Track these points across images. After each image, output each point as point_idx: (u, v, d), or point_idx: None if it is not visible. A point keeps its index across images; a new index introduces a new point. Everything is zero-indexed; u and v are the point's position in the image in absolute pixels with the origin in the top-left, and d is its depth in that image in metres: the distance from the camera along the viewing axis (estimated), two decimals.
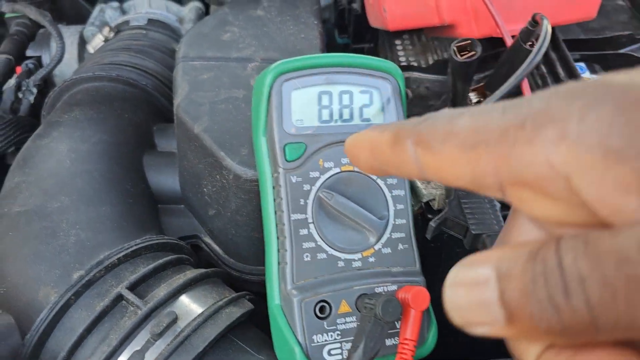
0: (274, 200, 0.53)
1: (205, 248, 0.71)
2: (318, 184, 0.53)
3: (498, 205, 0.54)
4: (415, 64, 0.78)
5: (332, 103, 0.55)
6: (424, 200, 0.59)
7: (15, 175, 0.66)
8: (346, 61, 0.55)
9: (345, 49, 1.01)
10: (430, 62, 0.78)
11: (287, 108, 0.53)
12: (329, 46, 1.07)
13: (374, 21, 0.76)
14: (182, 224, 0.71)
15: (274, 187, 0.53)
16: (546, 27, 0.48)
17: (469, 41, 0.54)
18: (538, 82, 0.69)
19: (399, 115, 0.56)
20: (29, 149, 0.69)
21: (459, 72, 0.55)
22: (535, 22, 0.50)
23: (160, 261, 0.58)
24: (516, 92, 0.65)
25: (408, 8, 0.66)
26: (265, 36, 0.72)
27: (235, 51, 0.70)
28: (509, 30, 0.63)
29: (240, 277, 0.69)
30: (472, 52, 0.53)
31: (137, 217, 0.64)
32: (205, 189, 0.65)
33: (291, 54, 0.70)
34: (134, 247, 0.58)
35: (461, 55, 0.54)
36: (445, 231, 0.55)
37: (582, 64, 0.76)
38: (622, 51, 0.76)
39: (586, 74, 0.74)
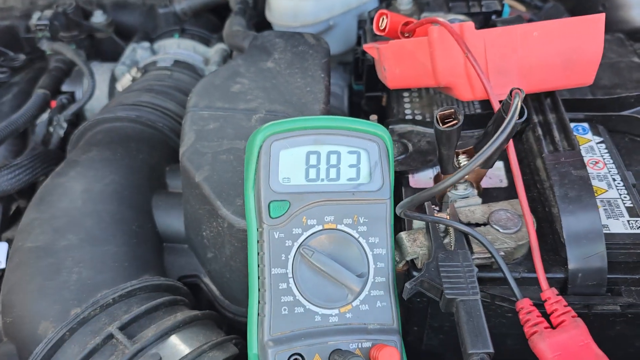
0: (257, 253, 0.56)
1: (204, 288, 0.74)
2: (300, 240, 0.56)
3: (475, 270, 0.55)
4: (420, 117, 0.80)
5: (319, 162, 0.58)
6: (408, 258, 0.61)
7: (32, 212, 0.71)
8: (335, 124, 0.58)
9: (360, 95, 1.04)
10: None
11: (275, 167, 0.56)
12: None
13: (379, 75, 0.78)
14: (184, 264, 0.75)
15: (258, 241, 0.56)
16: (515, 105, 0.50)
17: (452, 109, 0.55)
18: (532, 146, 0.70)
19: (385, 176, 0.58)
20: (47, 186, 0.74)
21: (442, 139, 0.57)
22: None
23: (153, 302, 0.62)
24: (502, 155, 0.66)
25: (406, 69, 0.68)
26: (273, 88, 0.76)
27: (243, 102, 0.74)
28: (505, 94, 0.65)
29: (234, 319, 0.71)
30: (455, 121, 0.55)
31: (139, 257, 0.68)
32: (204, 233, 0.69)
33: (295, 107, 0.74)
34: (130, 288, 0.62)
35: (445, 123, 0.56)
36: (423, 292, 0.57)
37: (585, 125, 0.76)
38: (628, 113, 0.76)
39: (588, 135, 0.75)
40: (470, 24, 0.63)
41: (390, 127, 0.78)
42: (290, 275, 0.55)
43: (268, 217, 0.56)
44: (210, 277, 0.73)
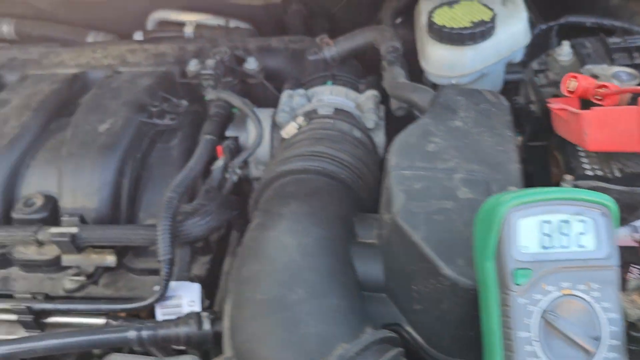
0: (501, 317, 0.61)
1: (406, 336, 0.79)
2: (541, 305, 0.60)
3: None
4: (600, 172, 0.83)
5: (552, 231, 0.62)
6: (631, 320, 0.64)
7: (252, 264, 0.77)
8: (567, 195, 0.62)
9: None
10: (616, 172, 0.83)
11: (515, 236, 0.61)
12: None
13: (565, 133, 0.82)
14: (383, 312, 0.80)
15: (500, 307, 0.61)
16: None
17: None
18: None
19: (612, 242, 0.62)
20: (257, 239, 0.81)
21: None
22: None
23: (387, 355, 0.67)
24: None
25: (610, 135, 0.72)
26: (466, 148, 0.80)
27: (441, 162, 0.79)
28: None
29: None
30: None
31: (357, 309, 0.74)
32: (415, 287, 0.74)
33: (491, 166, 0.78)
34: (365, 342, 0.67)
35: None
36: None
37: None
38: None
39: None
40: None
41: (573, 183, 0.81)
42: (535, 338, 0.60)
43: (513, 284, 0.60)
44: (414, 326, 0.78)
